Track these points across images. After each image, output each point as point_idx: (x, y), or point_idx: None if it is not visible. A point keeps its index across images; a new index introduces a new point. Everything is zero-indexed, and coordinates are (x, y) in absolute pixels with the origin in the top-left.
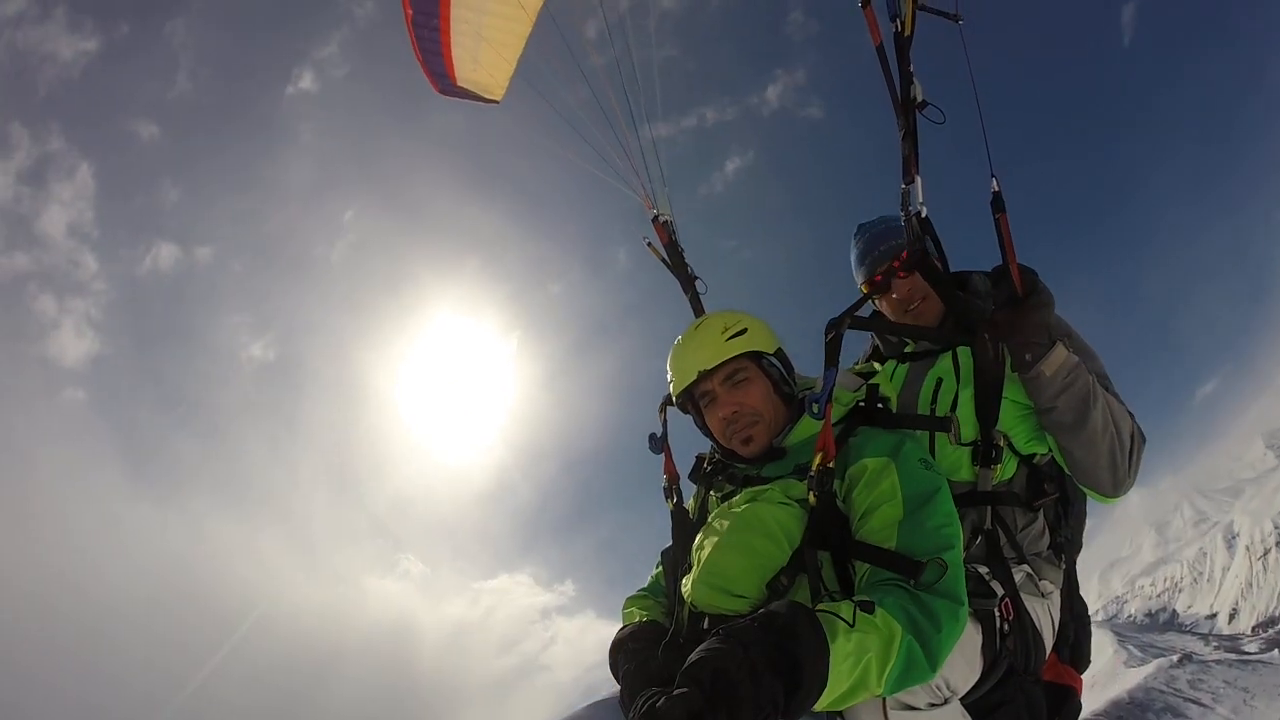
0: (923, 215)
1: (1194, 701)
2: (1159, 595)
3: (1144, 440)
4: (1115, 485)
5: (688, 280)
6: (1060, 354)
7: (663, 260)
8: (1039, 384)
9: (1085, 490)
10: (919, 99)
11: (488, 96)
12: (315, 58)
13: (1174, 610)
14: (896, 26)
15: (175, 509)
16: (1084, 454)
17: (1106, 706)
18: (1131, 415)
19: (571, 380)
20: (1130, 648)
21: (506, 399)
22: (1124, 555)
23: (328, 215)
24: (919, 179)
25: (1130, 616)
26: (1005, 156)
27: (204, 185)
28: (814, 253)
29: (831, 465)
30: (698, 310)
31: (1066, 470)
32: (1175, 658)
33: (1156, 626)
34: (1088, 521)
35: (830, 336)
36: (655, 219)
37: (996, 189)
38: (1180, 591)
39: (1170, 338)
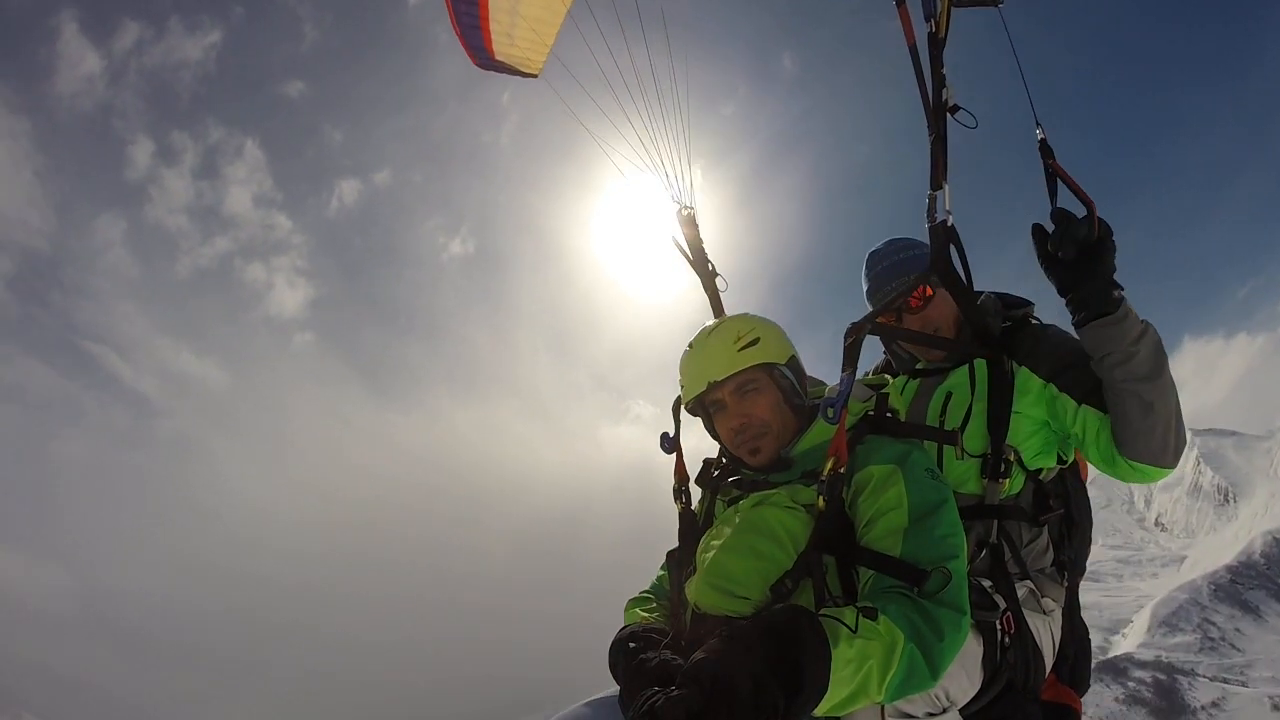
0: (949, 224)
1: None
2: None
3: None
4: (1176, 450)
5: (709, 277)
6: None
7: (685, 255)
8: (1124, 326)
9: (1137, 466)
10: (951, 102)
11: (526, 71)
12: None
13: None
14: (931, 27)
15: (418, 409)
16: (1162, 405)
17: None
18: None
19: (763, 199)
20: None
21: (703, 230)
22: None
23: (486, 103)
24: (947, 186)
25: None
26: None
27: (363, 117)
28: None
29: (843, 470)
30: (717, 308)
31: (1116, 448)
32: None
33: None
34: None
35: (850, 341)
36: (679, 212)
37: (1042, 136)
38: None
39: None
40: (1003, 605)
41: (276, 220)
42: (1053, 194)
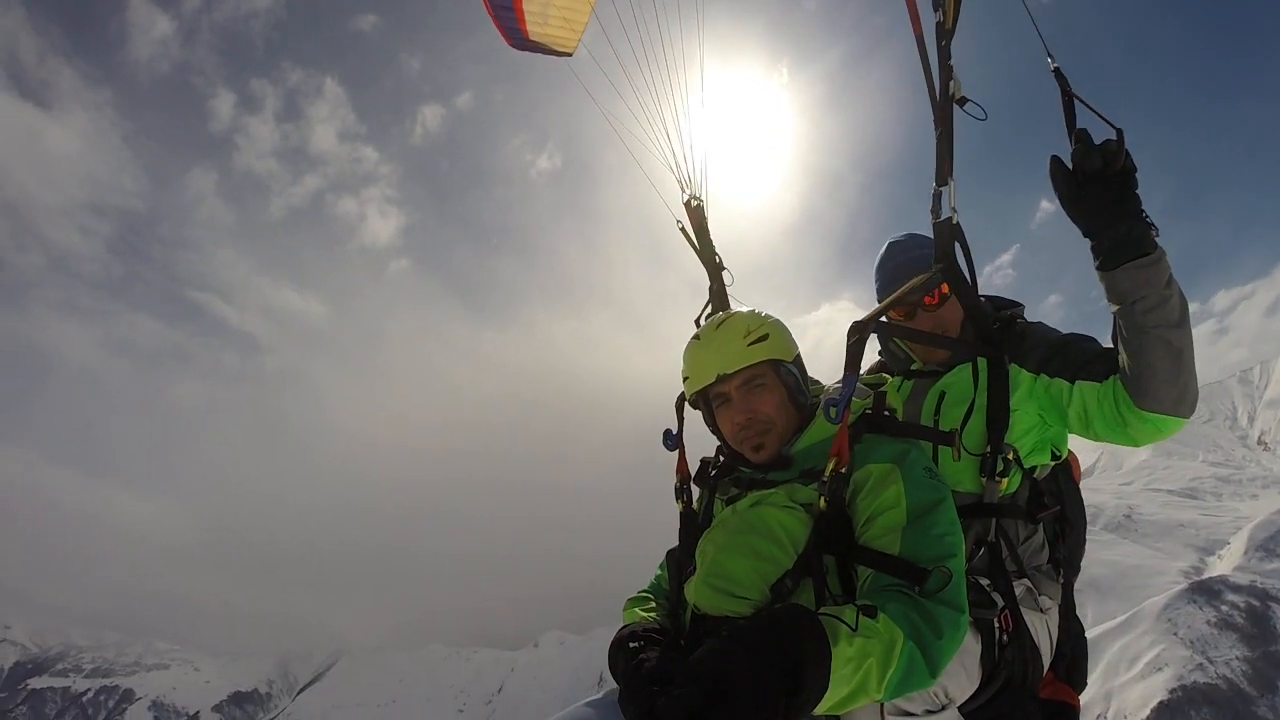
0: (954, 222)
1: None
2: None
3: None
4: (1195, 399)
5: (715, 269)
6: None
7: (692, 245)
8: (1161, 267)
9: (1152, 417)
10: (958, 95)
11: (560, 50)
12: None
13: None
14: (939, 16)
15: (515, 325)
16: (1189, 352)
17: None
18: None
19: (854, 95)
20: None
21: (793, 130)
22: None
23: None
24: (953, 182)
25: None
26: None
27: (437, 42)
28: None
29: (844, 470)
30: (722, 301)
31: (1133, 400)
32: None
33: None
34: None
35: (854, 340)
36: (688, 202)
37: (1055, 65)
38: None
39: None
40: (1000, 603)
41: (363, 153)
42: (1070, 121)
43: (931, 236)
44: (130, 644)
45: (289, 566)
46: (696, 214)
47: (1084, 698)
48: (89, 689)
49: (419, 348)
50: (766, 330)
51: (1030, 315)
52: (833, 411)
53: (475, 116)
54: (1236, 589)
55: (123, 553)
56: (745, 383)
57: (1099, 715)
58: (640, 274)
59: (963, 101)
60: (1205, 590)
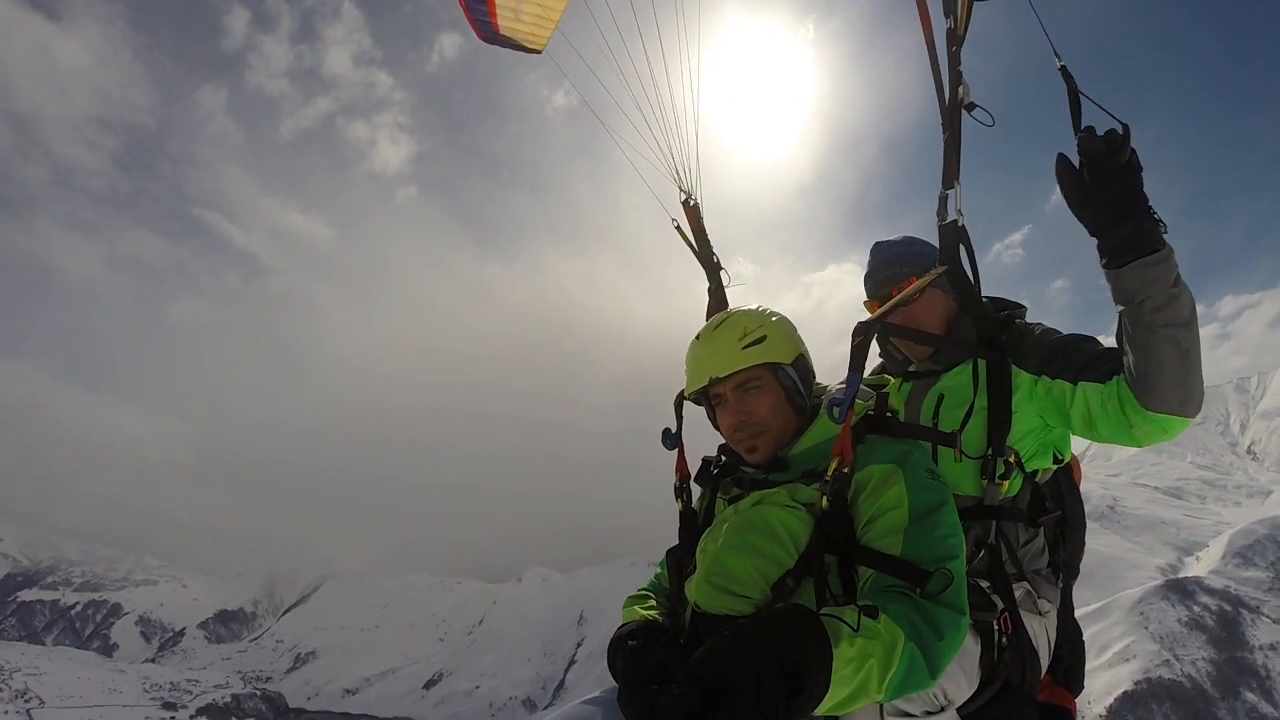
0: (959, 225)
1: None
2: None
3: None
4: (1200, 399)
5: (713, 269)
6: None
7: (689, 245)
8: (1169, 265)
9: (1158, 418)
10: (967, 100)
11: (529, 46)
12: None
13: None
14: (950, 23)
15: (520, 260)
16: (1196, 352)
17: None
18: None
19: (879, 53)
20: None
21: (815, 89)
22: None
23: None
24: (958, 185)
25: None
26: None
27: None
28: None
29: (847, 470)
30: (721, 301)
31: (1139, 400)
32: None
33: None
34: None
35: (858, 341)
36: (685, 201)
37: (1062, 64)
38: None
39: None
40: (1000, 606)
41: (377, 78)
42: (1076, 119)
43: (921, 238)
44: (120, 559)
45: (280, 489)
46: (693, 214)
47: None
48: (77, 602)
49: (422, 277)
50: (765, 332)
51: (1037, 299)
52: (836, 412)
53: (493, 47)
54: (1210, 591)
55: (117, 468)
56: (739, 385)
57: None
58: (648, 219)
59: (971, 107)
60: (1180, 589)
